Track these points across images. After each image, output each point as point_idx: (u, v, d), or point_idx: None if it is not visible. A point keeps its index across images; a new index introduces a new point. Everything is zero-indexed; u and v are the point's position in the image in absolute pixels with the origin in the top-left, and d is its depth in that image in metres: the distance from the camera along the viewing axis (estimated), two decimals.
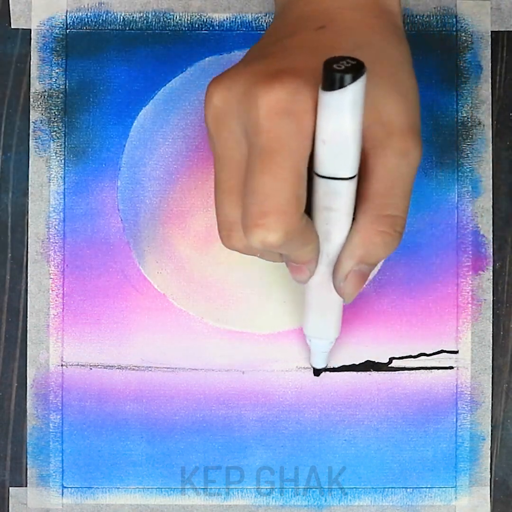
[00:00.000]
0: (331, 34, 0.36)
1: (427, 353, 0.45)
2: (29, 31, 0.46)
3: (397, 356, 0.45)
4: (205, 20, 0.46)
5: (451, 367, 0.45)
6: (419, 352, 0.45)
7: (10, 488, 0.46)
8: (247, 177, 0.33)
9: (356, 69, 0.31)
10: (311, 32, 0.36)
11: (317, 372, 0.45)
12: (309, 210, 0.35)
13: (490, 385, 0.45)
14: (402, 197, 0.35)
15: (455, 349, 0.45)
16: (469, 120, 0.46)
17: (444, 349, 0.45)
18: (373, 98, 0.34)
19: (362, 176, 0.35)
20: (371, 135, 0.34)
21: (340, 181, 0.33)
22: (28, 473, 0.45)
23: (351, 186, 0.34)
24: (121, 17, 0.46)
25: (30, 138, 0.45)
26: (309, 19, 0.37)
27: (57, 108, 0.45)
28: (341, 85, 0.31)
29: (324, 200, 0.34)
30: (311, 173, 0.34)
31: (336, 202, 0.34)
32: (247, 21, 0.46)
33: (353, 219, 0.35)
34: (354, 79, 0.31)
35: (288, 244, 0.33)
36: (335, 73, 0.31)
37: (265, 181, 0.32)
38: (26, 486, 0.45)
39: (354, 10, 0.37)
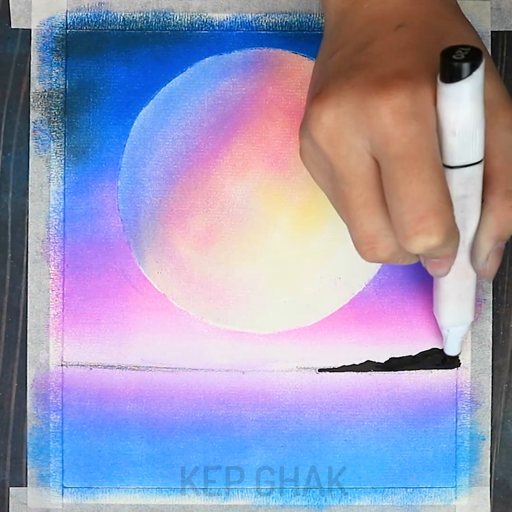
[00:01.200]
0: (412, 31, 0.36)
1: (425, 351, 0.45)
2: (29, 31, 0.46)
3: (397, 356, 0.45)
4: (205, 20, 0.46)
5: (451, 367, 0.45)
6: (419, 352, 0.45)
7: (10, 488, 0.46)
8: (391, 188, 0.34)
9: (474, 56, 0.31)
10: (392, 33, 0.36)
11: (452, 360, 0.45)
12: None
13: (490, 385, 0.45)
14: None
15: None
16: None
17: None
18: None
19: None
20: None
21: (472, 167, 0.34)
22: (28, 473, 0.45)
23: (481, 169, 0.35)
24: (121, 17, 0.46)
25: (30, 138, 0.45)
26: (383, 21, 0.36)
27: (57, 108, 0.45)
28: (462, 75, 0.31)
29: (458, 189, 0.35)
30: None
31: (470, 188, 0.35)
32: (247, 21, 0.46)
33: (482, 201, 0.36)
34: (473, 66, 0.31)
35: (448, 243, 0.34)
36: (455, 64, 0.31)
37: (414, 187, 0.33)
38: (26, 486, 0.45)
39: (420, 4, 0.37)
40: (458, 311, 0.42)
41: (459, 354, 0.45)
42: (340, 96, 0.34)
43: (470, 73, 0.31)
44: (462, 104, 0.32)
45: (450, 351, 0.45)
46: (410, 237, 0.33)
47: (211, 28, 0.46)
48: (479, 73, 0.32)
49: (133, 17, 0.46)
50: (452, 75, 0.32)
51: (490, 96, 0.35)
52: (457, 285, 0.40)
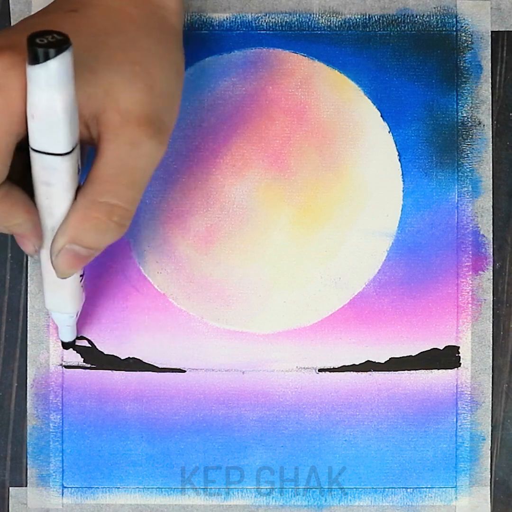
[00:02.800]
0: (80, 18, 0.36)
1: (426, 350, 0.45)
2: None
3: (397, 356, 0.45)
4: (204, 20, 0.46)
5: (451, 367, 0.45)
6: (419, 352, 0.45)
7: (10, 488, 0.46)
8: None
9: (61, 44, 0.31)
10: (61, 14, 0.36)
11: (65, 346, 0.45)
12: (31, 185, 0.36)
13: (490, 385, 0.45)
14: (127, 187, 0.35)
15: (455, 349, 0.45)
16: (469, 120, 0.46)
17: (444, 349, 0.45)
18: (110, 84, 0.34)
19: (94, 160, 0.35)
20: (106, 121, 0.34)
21: (53, 157, 0.34)
22: (28, 473, 0.45)
23: (65, 162, 0.34)
24: None
25: None
26: (65, 2, 0.37)
27: None
28: (40, 60, 0.31)
29: (42, 175, 0.35)
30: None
31: (53, 177, 0.35)
32: (247, 21, 0.46)
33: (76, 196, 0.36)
34: (57, 53, 0.31)
35: (7, 222, 0.34)
36: (38, 48, 0.31)
37: None
38: (26, 486, 0.45)
39: None
40: (56, 298, 0.41)
41: (72, 341, 0.45)
42: None
43: (47, 59, 0.31)
44: (38, 89, 0.32)
45: (61, 336, 0.45)
46: None
47: (211, 28, 0.46)
48: (58, 61, 0.31)
49: None
50: (31, 58, 0.31)
51: (130, 107, 0.34)
52: (50, 272, 0.39)
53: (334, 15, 0.45)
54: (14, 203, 0.35)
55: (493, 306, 0.46)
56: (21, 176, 0.36)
